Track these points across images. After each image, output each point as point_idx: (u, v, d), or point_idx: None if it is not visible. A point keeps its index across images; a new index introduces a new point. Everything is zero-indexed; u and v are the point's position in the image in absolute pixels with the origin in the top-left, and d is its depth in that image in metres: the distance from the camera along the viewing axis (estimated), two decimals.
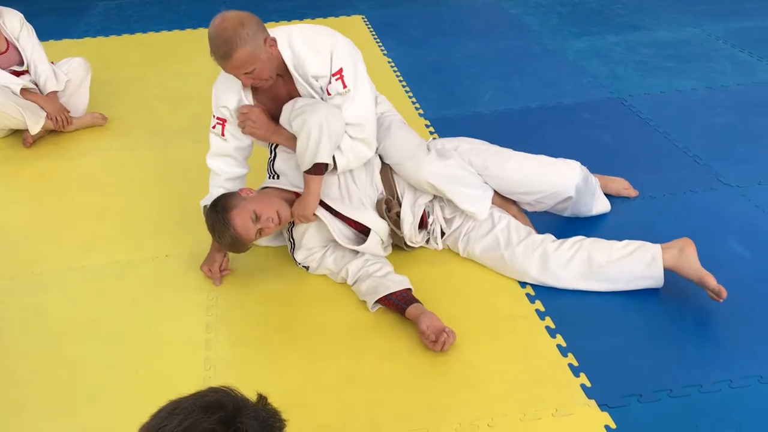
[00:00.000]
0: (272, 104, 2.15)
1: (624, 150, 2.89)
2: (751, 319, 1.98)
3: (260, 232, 2.07)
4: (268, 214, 2.05)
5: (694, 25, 4.31)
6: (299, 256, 2.24)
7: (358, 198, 2.20)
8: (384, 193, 2.23)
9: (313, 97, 2.09)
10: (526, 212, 2.38)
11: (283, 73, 2.09)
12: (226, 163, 2.24)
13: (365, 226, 2.18)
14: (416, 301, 2.01)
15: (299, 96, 2.12)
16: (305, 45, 2.07)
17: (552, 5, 4.89)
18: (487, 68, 3.85)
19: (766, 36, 4.09)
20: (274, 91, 2.13)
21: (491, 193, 2.26)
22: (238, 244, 2.08)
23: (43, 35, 3.57)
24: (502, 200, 2.33)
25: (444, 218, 2.29)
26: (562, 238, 2.16)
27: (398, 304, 2.01)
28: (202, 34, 4.55)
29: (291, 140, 2.12)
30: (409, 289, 2.06)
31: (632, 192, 2.56)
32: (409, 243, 2.27)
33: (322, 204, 2.16)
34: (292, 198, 2.19)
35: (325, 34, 2.13)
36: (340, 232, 2.18)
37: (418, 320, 1.93)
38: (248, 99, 2.13)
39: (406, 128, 2.31)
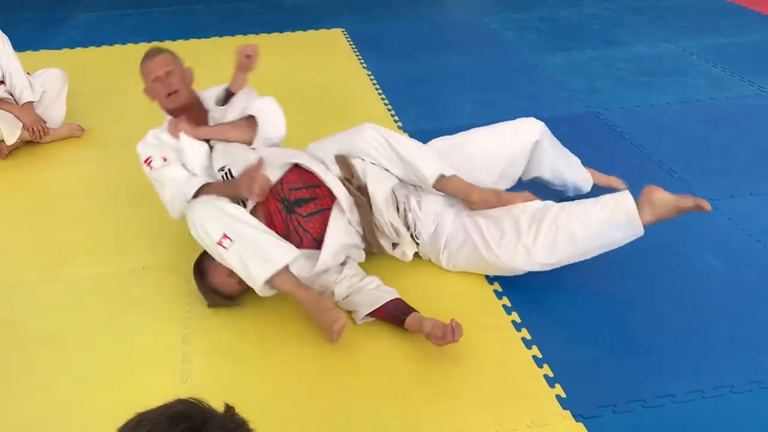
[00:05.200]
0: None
1: (600, 163, 2.90)
2: (723, 330, 2.00)
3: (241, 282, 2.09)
4: None
5: (669, 41, 4.39)
6: None
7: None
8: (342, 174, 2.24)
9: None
10: None
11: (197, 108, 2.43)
12: (186, 173, 2.30)
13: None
14: (414, 310, 2.01)
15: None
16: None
17: (531, 20, 4.95)
18: (467, 82, 3.89)
19: (739, 52, 4.17)
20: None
21: (446, 165, 2.24)
22: (230, 299, 2.15)
23: (21, 46, 3.55)
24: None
25: (418, 214, 2.25)
26: (533, 216, 2.11)
27: (395, 314, 2.01)
28: (181, 46, 4.58)
29: (232, 128, 2.31)
30: (399, 298, 2.06)
31: (621, 185, 2.60)
32: (390, 230, 2.22)
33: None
34: None
35: None
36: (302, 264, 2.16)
37: (421, 324, 1.93)
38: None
39: None
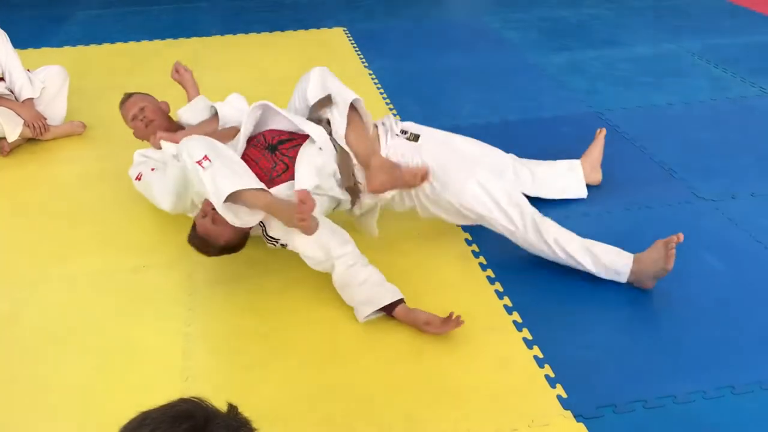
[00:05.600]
0: None
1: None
2: (724, 330, 2.00)
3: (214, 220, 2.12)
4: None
5: (671, 42, 4.39)
6: (275, 232, 2.18)
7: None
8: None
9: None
10: None
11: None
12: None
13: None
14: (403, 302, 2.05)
15: None
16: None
17: (532, 20, 4.95)
18: (468, 82, 3.89)
19: (740, 53, 4.17)
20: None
21: (355, 97, 2.32)
22: (218, 244, 2.16)
23: (22, 43, 3.54)
24: None
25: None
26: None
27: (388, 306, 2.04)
28: (183, 44, 4.58)
29: (201, 126, 2.56)
30: (402, 299, 2.07)
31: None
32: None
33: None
34: None
35: None
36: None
37: (414, 315, 2.00)
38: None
39: None
